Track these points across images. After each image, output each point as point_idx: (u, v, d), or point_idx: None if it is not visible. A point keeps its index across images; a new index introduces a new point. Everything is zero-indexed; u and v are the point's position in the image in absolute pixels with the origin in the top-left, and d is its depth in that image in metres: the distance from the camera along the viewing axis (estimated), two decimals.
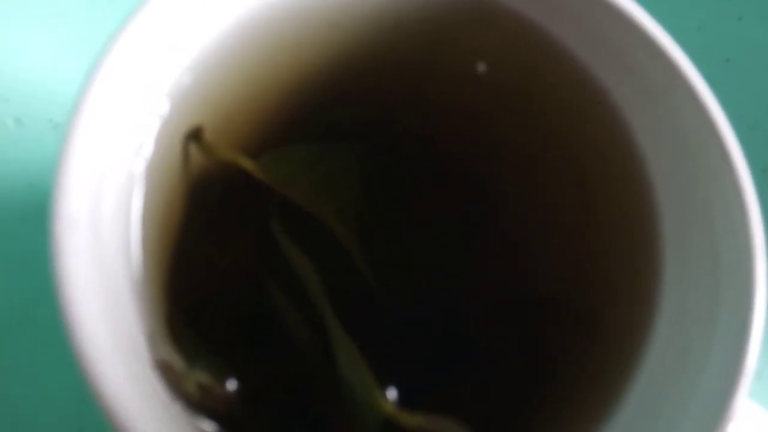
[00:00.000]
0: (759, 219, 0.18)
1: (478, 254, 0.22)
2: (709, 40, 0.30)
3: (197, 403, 0.18)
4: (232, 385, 0.19)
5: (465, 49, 0.22)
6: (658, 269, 0.20)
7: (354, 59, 0.22)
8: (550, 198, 0.22)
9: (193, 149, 0.20)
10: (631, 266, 0.21)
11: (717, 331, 0.18)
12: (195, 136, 0.20)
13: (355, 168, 0.22)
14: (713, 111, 0.18)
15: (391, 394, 0.19)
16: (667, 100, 0.19)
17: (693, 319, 0.19)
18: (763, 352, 0.18)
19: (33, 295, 0.25)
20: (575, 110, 0.21)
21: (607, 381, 0.20)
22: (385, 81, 0.22)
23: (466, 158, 0.23)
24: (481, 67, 0.22)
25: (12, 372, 0.24)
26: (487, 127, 0.23)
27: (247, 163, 0.20)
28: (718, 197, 0.19)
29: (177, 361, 0.18)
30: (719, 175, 0.19)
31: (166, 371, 0.18)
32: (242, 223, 0.21)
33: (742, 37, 0.30)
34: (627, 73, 0.20)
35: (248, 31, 0.20)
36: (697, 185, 0.19)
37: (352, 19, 0.21)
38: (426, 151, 0.23)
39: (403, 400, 0.19)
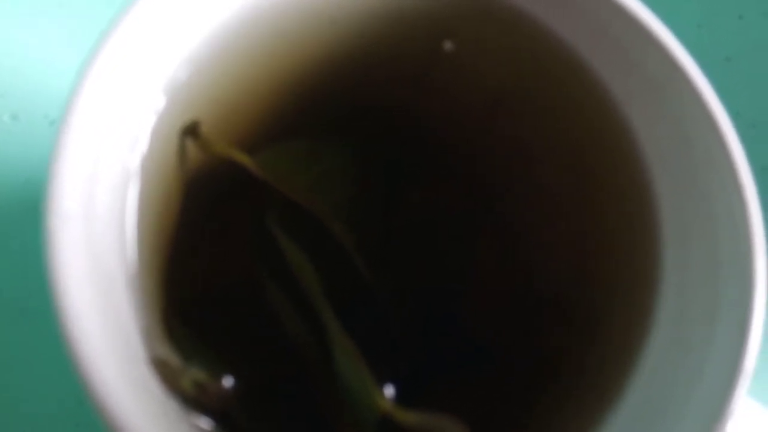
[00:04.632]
0: (759, 215, 0.18)
1: (476, 252, 0.22)
2: (709, 38, 0.30)
3: (193, 400, 0.18)
4: (228, 382, 0.19)
5: (464, 43, 0.22)
6: (658, 267, 0.20)
7: (352, 55, 0.22)
8: (548, 194, 0.22)
9: (190, 144, 0.20)
10: (630, 264, 0.21)
11: (717, 328, 0.18)
12: (191, 130, 0.20)
13: (353, 164, 0.22)
14: (713, 106, 0.18)
15: (389, 391, 0.19)
16: (666, 95, 0.19)
17: (693, 317, 0.19)
18: (763, 349, 0.18)
19: (31, 289, 0.25)
20: (574, 105, 0.21)
21: (606, 379, 0.20)
22: (383, 76, 0.22)
23: (465, 154, 0.23)
24: (480, 61, 0.22)
25: (9, 366, 0.24)
26: (486, 123, 0.22)
27: (243, 159, 0.20)
28: (719, 193, 0.19)
29: (172, 357, 0.18)
30: (719, 170, 0.18)
31: (161, 368, 0.17)
32: (239, 219, 0.21)
33: (743, 35, 0.30)
34: (627, 67, 0.20)
35: (246, 25, 0.20)
36: (697, 181, 0.19)
37: (350, 14, 0.21)
38: (425, 147, 0.23)
39: (401, 398, 0.19)
